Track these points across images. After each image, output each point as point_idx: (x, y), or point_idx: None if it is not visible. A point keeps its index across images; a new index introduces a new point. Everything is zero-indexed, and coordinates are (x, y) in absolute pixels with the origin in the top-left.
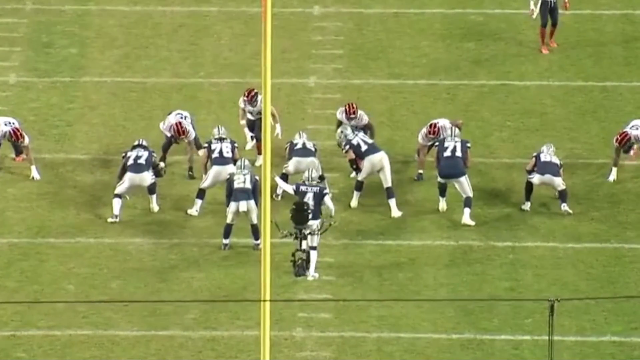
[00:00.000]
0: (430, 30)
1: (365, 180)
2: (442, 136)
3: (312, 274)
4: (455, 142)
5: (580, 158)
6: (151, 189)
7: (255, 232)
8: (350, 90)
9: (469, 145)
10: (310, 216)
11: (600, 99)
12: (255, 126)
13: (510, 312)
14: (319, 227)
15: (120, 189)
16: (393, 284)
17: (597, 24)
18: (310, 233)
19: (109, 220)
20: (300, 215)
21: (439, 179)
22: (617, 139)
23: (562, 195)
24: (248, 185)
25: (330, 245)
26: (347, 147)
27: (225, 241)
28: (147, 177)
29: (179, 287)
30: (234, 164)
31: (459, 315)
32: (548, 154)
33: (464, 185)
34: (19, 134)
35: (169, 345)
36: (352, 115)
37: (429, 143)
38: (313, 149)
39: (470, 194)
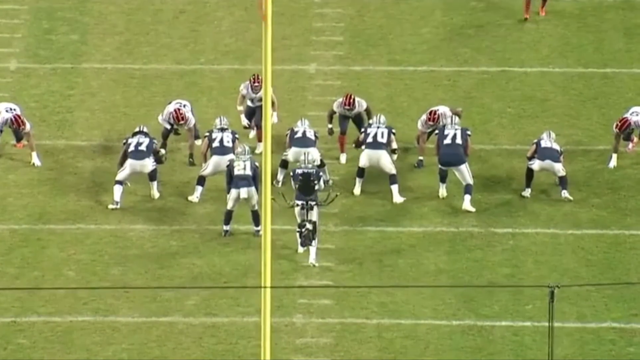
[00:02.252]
0: (431, 17)
1: (366, 167)
2: (441, 123)
3: (311, 260)
4: (455, 129)
5: (581, 144)
6: (152, 176)
7: (256, 218)
8: (351, 76)
9: (469, 133)
10: (316, 187)
11: (601, 85)
12: (255, 113)
13: (511, 298)
14: (324, 200)
15: (121, 175)
16: (393, 271)
17: (598, 10)
18: (316, 204)
19: (110, 206)
20: (306, 186)
21: (440, 166)
22: (617, 125)
23: (563, 182)
24: (248, 171)
25: (330, 232)
26: (362, 131)
27: (225, 227)
28: (148, 164)
29: (180, 273)
30: (234, 153)
31: (459, 302)
32: (549, 141)
33: (464, 172)
34: (20, 120)
35: (169, 331)
36: (348, 107)
37: (429, 130)
38: (313, 138)
39: (471, 181)
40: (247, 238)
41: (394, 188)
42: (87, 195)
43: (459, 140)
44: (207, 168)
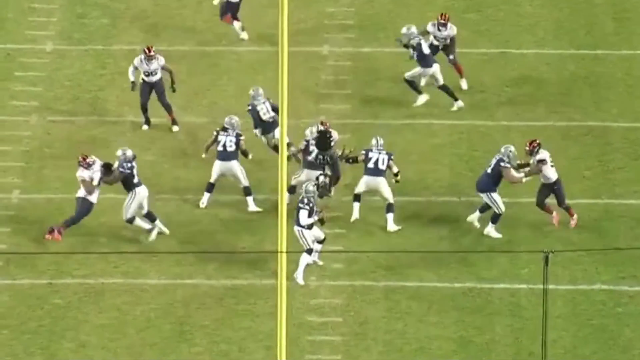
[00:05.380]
0: (435, 2)
1: (361, 193)
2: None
3: (314, 258)
4: (497, 157)
5: (573, 120)
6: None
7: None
8: (361, 57)
9: (504, 164)
10: (332, 143)
11: (592, 66)
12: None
13: (508, 263)
14: (340, 155)
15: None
16: (399, 237)
17: None
18: (330, 158)
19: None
20: (323, 141)
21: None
22: (528, 146)
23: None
24: (271, 112)
25: (342, 202)
26: (363, 153)
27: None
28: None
29: (203, 239)
30: (238, 159)
31: (460, 266)
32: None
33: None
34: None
35: (193, 292)
36: (443, 23)
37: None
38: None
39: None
40: (265, 207)
41: (390, 217)
42: None
43: (489, 170)
44: (213, 175)
